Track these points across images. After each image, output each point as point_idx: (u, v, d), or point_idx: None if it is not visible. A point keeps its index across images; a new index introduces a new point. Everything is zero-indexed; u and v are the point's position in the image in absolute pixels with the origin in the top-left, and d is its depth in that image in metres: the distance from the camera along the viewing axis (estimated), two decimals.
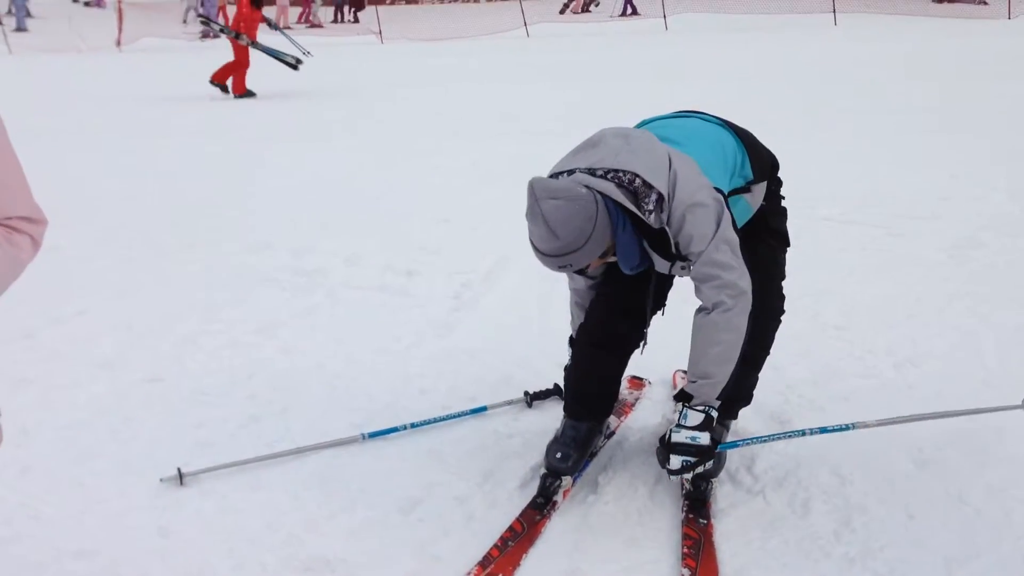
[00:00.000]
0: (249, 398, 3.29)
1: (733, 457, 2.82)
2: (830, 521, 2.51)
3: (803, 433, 2.64)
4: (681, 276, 2.46)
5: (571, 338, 2.81)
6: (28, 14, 28.06)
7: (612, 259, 2.41)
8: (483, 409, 3.13)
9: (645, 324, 2.69)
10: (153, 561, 2.37)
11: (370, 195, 6.35)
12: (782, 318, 2.83)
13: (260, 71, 12.36)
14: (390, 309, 4.15)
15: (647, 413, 3.13)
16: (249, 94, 12.29)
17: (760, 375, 2.90)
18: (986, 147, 7.16)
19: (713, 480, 2.62)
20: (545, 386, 3.23)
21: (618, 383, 2.81)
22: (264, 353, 3.70)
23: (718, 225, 2.35)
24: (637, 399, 3.22)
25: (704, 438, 2.38)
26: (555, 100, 10.74)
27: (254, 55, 12.18)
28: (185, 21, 28.00)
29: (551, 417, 3.03)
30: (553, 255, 2.31)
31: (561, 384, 2.99)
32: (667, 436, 2.39)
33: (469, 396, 3.25)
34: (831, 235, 4.94)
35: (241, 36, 12.02)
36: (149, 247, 5.13)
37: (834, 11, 23.02)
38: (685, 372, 2.71)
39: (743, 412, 3.01)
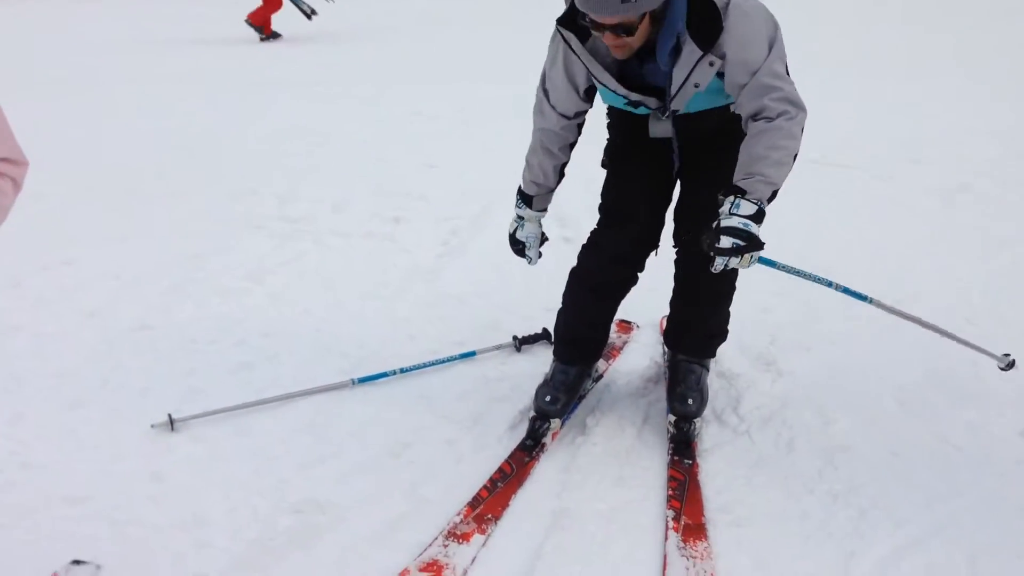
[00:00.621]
0: (238, 345, 3.30)
1: (719, 397, 2.86)
2: (814, 459, 2.55)
3: (830, 284, 2.61)
4: (700, 85, 2.33)
5: (519, 190, 2.75)
6: None
7: (649, 37, 2.26)
8: (472, 354, 3.15)
9: (639, 267, 2.69)
10: (146, 506, 2.40)
11: (355, 141, 6.29)
12: None
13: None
14: (378, 255, 4.15)
15: (635, 356, 3.16)
16: (275, 35, 12.23)
17: (744, 316, 2.92)
18: (976, 90, 7.14)
19: (698, 421, 2.65)
20: (533, 330, 3.24)
21: (608, 328, 2.83)
22: (252, 300, 3.70)
23: (775, 38, 2.28)
24: (625, 343, 3.24)
25: (755, 228, 2.21)
26: (534, 42, 10.59)
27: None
28: None
29: (540, 361, 3.05)
30: None
31: (550, 328, 3.01)
32: (716, 223, 2.23)
33: (458, 341, 3.27)
34: (814, 176, 4.93)
35: None
36: (134, 195, 5.09)
37: None
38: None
39: (730, 353, 3.05)
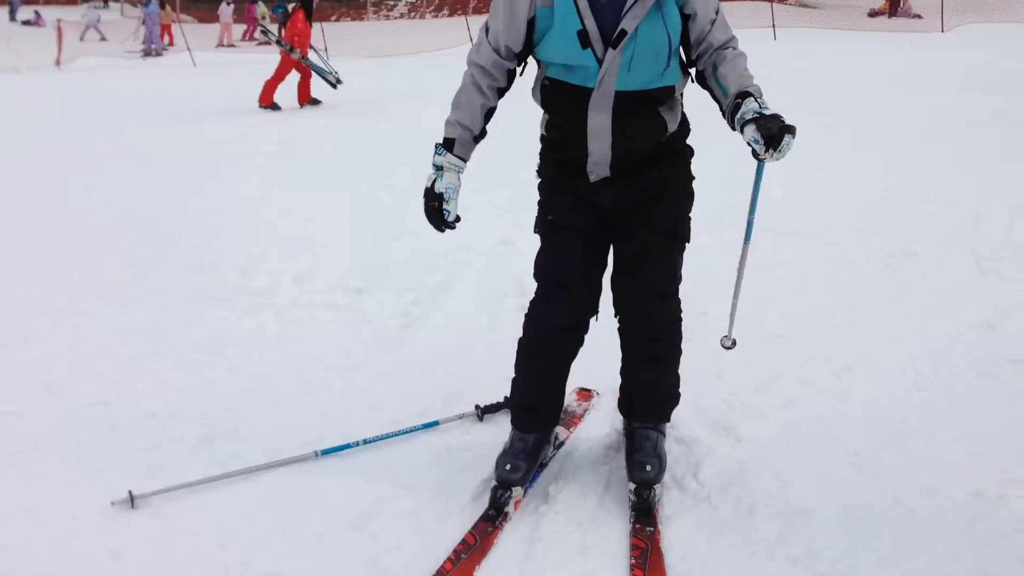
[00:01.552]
0: (199, 419, 3.29)
1: (679, 463, 2.90)
2: (774, 523, 2.59)
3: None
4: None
5: (440, 141, 2.68)
6: None
7: None
8: (435, 424, 3.17)
9: (582, 332, 2.74)
10: None
11: (318, 213, 6.35)
12: None
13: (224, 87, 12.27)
14: (340, 326, 4.18)
15: (596, 424, 3.20)
16: (314, 101, 12.72)
17: (699, 382, 2.99)
18: (917, 159, 7.39)
19: (658, 487, 2.69)
20: (496, 399, 3.28)
21: (561, 393, 2.86)
22: (213, 373, 3.70)
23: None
24: (586, 410, 3.28)
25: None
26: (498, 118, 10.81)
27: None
28: (82, 39, 27.81)
29: (502, 430, 3.07)
30: None
31: None
32: (757, 115, 2.35)
33: (421, 411, 3.29)
34: (768, 244, 5.06)
35: (294, 50, 12.14)
36: (93, 269, 5.08)
37: (773, 26, 23.56)
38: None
39: (688, 419, 3.11)
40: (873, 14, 30.34)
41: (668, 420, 2.91)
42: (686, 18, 2.45)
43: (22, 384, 3.58)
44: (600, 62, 2.43)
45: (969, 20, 24.40)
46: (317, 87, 12.83)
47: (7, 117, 12.63)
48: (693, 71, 2.58)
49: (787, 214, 5.68)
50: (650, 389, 2.83)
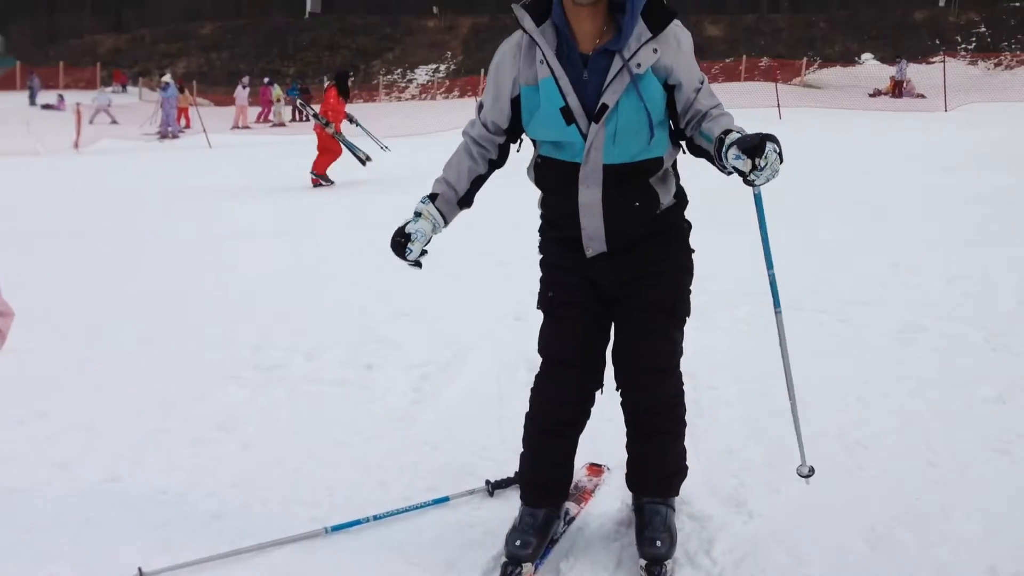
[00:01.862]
0: (209, 495, 3.29)
1: (691, 539, 2.87)
2: None
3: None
4: (641, 66, 2.45)
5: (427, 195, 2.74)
6: None
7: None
8: (445, 499, 3.16)
9: (588, 405, 2.76)
10: None
11: (329, 288, 6.42)
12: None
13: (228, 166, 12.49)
14: (350, 403, 4.19)
15: (607, 499, 3.18)
16: (327, 180, 12.93)
17: (711, 457, 2.98)
18: (924, 235, 7.44)
19: (669, 563, 2.67)
20: (507, 474, 3.27)
21: (570, 467, 2.86)
22: (224, 449, 3.71)
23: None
24: (596, 485, 3.27)
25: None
26: (509, 193, 10.97)
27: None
28: (91, 122, 28.47)
29: (513, 505, 3.06)
30: None
31: None
32: (738, 137, 2.34)
33: (431, 486, 3.28)
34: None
35: (329, 124, 12.42)
36: (108, 345, 5.13)
37: (778, 105, 23.95)
38: None
39: (697, 493, 3.09)
40: (875, 94, 30.87)
41: (677, 494, 2.90)
42: (671, 88, 2.51)
43: (34, 461, 3.59)
44: (585, 137, 2.49)
45: (972, 99, 24.80)
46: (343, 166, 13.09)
47: (25, 200, 12.85)
48: (684, 141, 2.62)
49: (796, 289, 5.70)
50: (657, 463, 2.82)
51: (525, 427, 2.82)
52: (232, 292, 6.43)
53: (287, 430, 3.90)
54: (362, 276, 6.80)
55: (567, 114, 2.48)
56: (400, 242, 2.65)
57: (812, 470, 2.70)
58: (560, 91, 2.48)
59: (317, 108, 13.29)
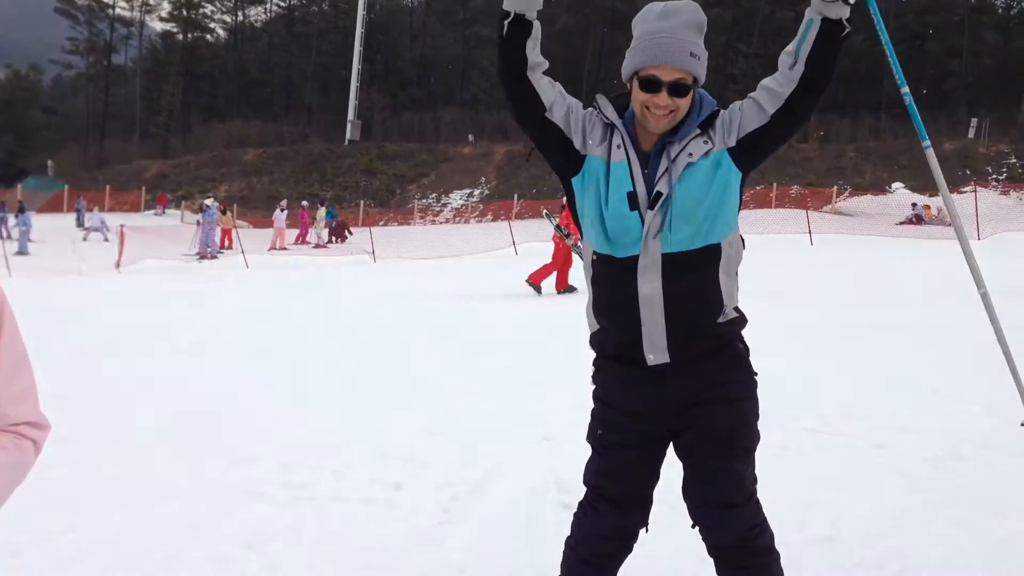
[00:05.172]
0: None
1: None
2: None
3: None
4: (693, 155, 2.49)
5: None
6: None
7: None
8: None
9: (631, 541, 2.70)
10: None
11: (360, 406, 6.43)
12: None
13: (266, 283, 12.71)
14: (377, 522, 4.14)
15: None
16: (570, 289, 13.49)
17: None
18: (961, 362, 7.36)
19: None
20: None
21: None
22: (249, 569, 3.65)
23: None
24: None
25: None
26: (541, 313, 11.06)
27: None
28: (85, 239, 31.78)
29: None
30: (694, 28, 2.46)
31: None
32: None
33: None
34: (814, 445, 5.01)
35: (570, 235, 12.91)
36: (137, 461, 5.14)
37: (809, 232, 24.15)
38: None
39: None
40: (904, 222, 31.07)
41: None
42: (757, 133, 2.50)
43: None
44: (643, 223, 2.50)
45: (1003, 228, 24.85)
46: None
47: (63, 317, 13.12)
48: (798, 94, 2.50)
49: (833, 415, 5.64)
50: None
51: (564, 551, 2.75)
52: (263, 409, 6.45)
53: (313, 549, 3.85)
54: (392, 394, 6.81)
55: (632, 200, 2.51)
56: None
57: None
58: (631, 177, 2.52)
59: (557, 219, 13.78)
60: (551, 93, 2.60)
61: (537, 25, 2.55)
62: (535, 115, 2.60)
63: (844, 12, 2.38)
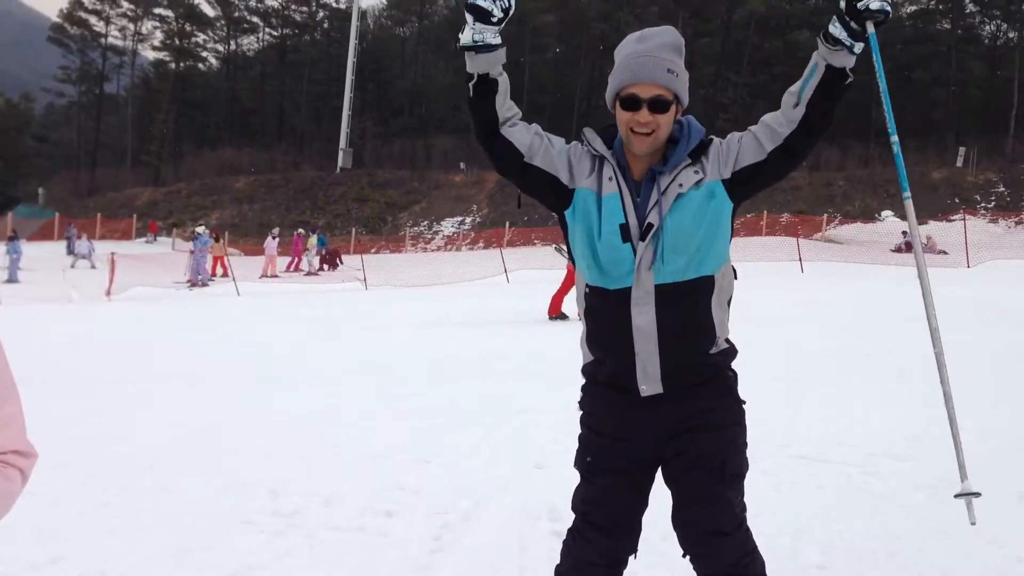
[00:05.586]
0: None
1: None
2: None
3: None
4: (683, 186, 2.50)
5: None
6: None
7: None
8: None
9: (620, 567, 2.68)
10: None
11: (351, 434, 6.39)
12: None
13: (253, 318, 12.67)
14: (368, 550, 4.10)
15: None
16: (562, 316, 13.40)
17: None
18: (955, 390, 7.34)
19: None
20: None
21: None
22: None
23: None
24: None
25: None
26: (533, 341, 11.05)
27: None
28: (73, 267, 32.90)
29: None
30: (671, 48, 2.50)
31: None
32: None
33: None
34: (807, 474, 4.99)
35: None
36: (126, 490, 5.09)
37: (800, 259, 24.25)
38: None
39: None
40: (896, 250, 31.25)
41: None
42: (754, 168, 2.52)
43: None
44: (635, 255, 2.50)
45: (993, 256, 25.00)
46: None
47: (52, 344, 13.06)
48: (796, 137, 2.52)
49: (825, 441, 5.63)
50: None
51: None
52: (253, 436, 6.41)
53: None
54: (383, 422, 6.78)
55: (624, 232, 2.52)
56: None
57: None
58: (623, 208, 2.53)
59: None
60: (526, 138, 2.60)
61: (504, 79, 2.56)
62: (514, 165, 2.60)
63: (849, 62, 2.42)
